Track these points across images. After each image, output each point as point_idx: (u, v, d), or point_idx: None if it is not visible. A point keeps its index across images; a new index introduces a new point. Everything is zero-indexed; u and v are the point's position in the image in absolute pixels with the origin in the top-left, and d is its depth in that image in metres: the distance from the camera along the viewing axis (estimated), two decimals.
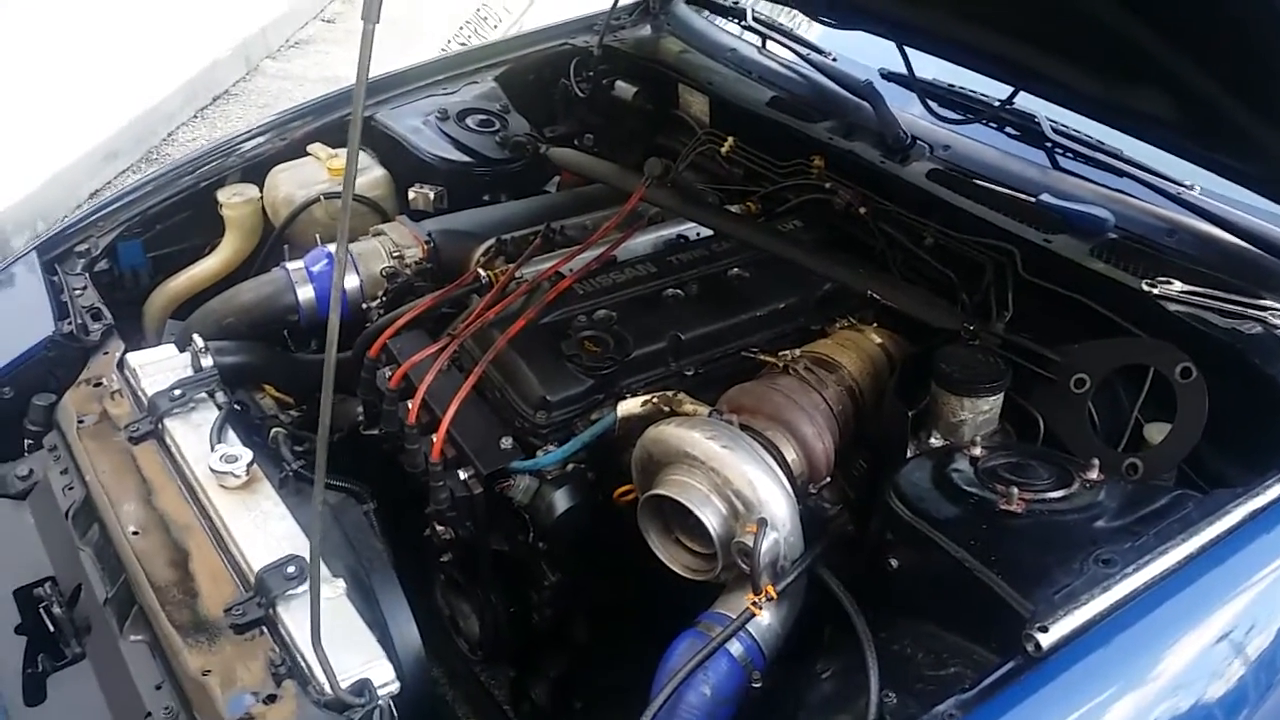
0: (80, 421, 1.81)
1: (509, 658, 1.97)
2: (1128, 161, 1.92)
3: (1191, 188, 1.85)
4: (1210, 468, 1.62)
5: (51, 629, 1.58)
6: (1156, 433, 1.67)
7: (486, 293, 1.96)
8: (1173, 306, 1.70)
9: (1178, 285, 1.72)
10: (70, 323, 2.02)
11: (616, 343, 1.81)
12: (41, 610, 1.60)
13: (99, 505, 1.65)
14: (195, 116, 5.79)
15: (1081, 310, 1.79)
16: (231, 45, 6.18)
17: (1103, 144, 1.96)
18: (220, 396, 1.84)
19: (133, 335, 2.27)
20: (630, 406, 1.69)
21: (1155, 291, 1.72)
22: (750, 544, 1.45)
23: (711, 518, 1.51)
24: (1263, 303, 1.66)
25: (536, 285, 1.92)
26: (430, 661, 2.07)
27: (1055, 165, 2.04)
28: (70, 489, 1.73)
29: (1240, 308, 1.67)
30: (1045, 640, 1.21)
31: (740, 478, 1.50)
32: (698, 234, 2.19)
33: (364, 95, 1.06)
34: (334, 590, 1.48)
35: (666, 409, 1.66)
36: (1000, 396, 1.68)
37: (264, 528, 1.58)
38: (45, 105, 5.14)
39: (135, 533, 1.59)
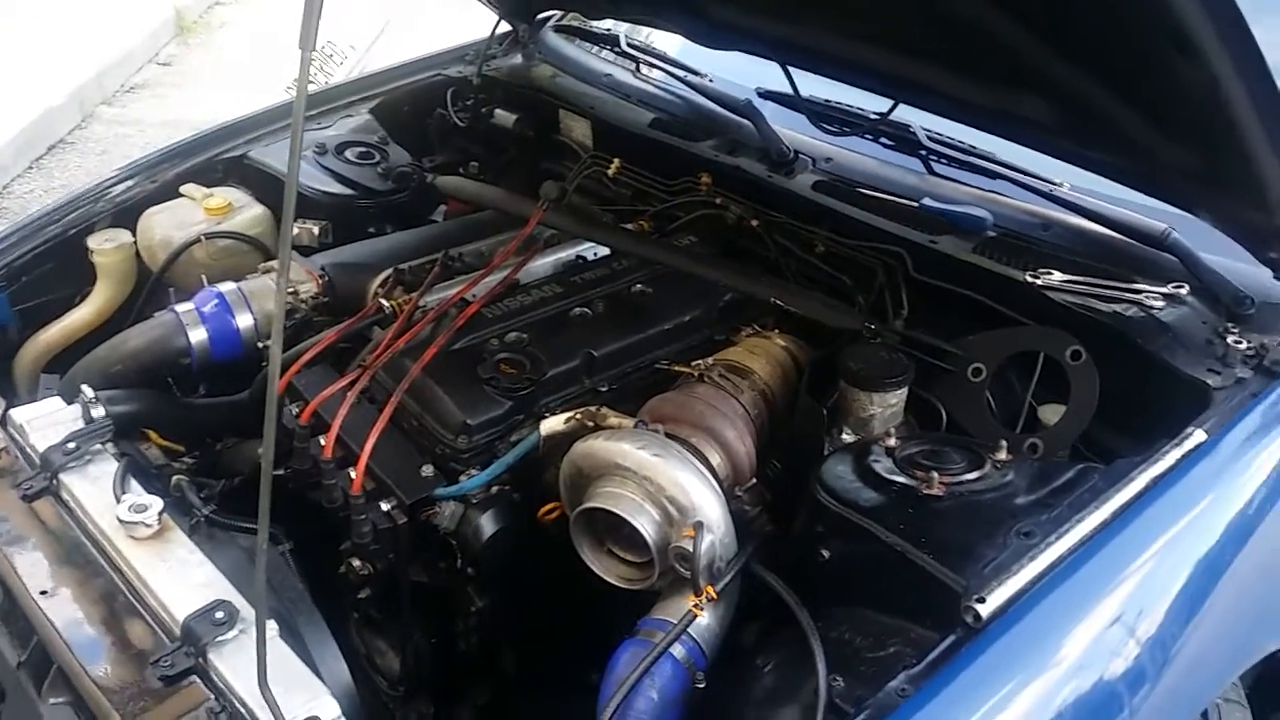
0: None
1: (430, 692, 1.94)
2: (1000, 163, 2.04)
3: (1061, 185, 1.98)
4: (1100, 443, 1.73)
5: None
6: (1050, 413, 1.77)
7: (389, 324, 1.94)
8: (1056, 295, 1.81)
9: (1058, 275, 1.83)
10: None
11: (532, 363, 1.81)
12: None
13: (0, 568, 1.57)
14: (30, 168, 5.54)
15: (971, 305, 1.88)
16: (65, 92, 5.93)
17: (975, 148, 2.08)
18: (114, 447, 1.77)
19: (4, 391, 2.16)
20: (554, 424, 1.70)
21: (1038, 282, 1.82)
22: (689, 548, 1.47)
23: (647, 525, 1.53)
24: (1136, 286, 1.78)
25: (444, 312, 1.91)
26: None
27: (931, 171, 2.15)
28: None
29: (1118, 292, 1.78)
30: (984, 610, 1.27)
31: (673, 484, 1.53)
32: (594, 254, 2.22)
33: (302, 121, 1.04)
34: (269, 631, 1.44)
35: (590, 424, 1.67)
36: (905, 390, 1.76)
37: (182, 576, 1.53)
38: None
39: (43, 592, 1.51)
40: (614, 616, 1.60)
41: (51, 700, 1.43)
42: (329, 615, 1.81)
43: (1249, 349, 1.66)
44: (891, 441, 1.62)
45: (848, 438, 1.77)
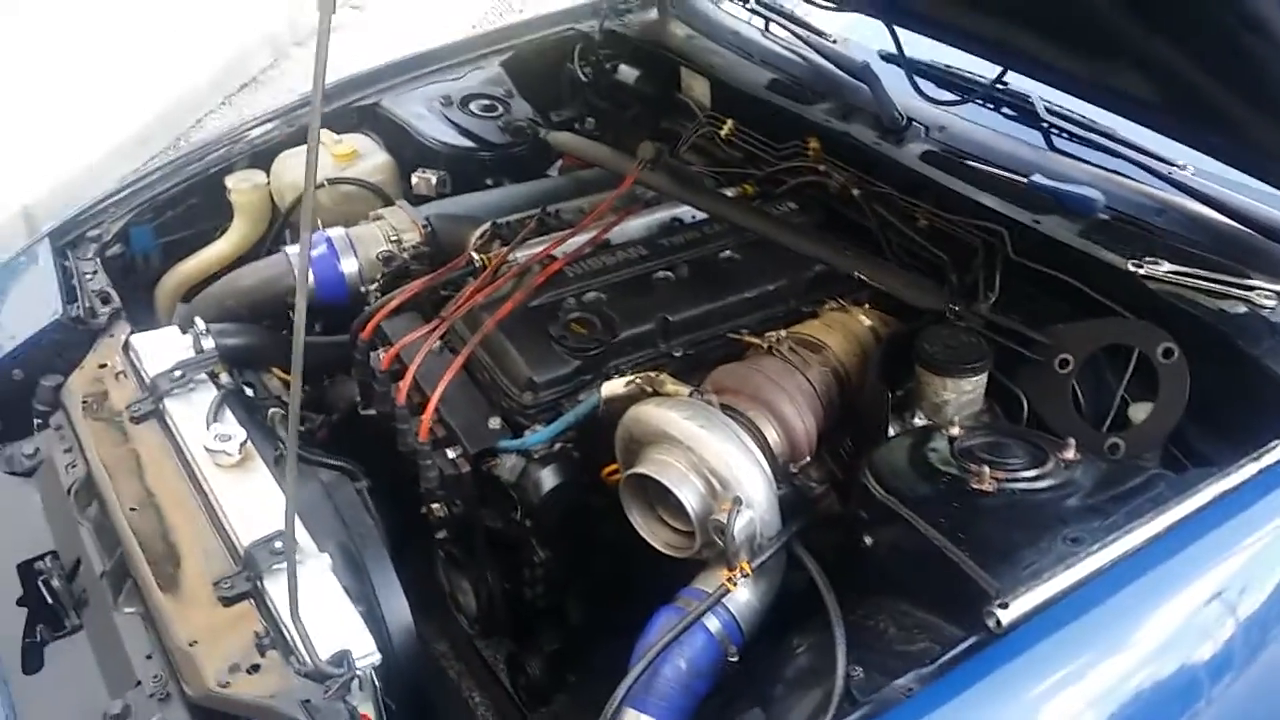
0: (85, 402, 1.87)
1: (507, 632, 2.01)
2: (1120, 141, 1.92)
3: (1184, 168, 1.85)
4: (1197, 448, 1.63)
5: (51, 601, 1.63)
6: (1141, 412, 1.67)
7: (479, 276, 1.98)
8: (1158, 287, 1.69)
9: (1165, 265, 1.71)
10: (78, 306, 2.07)
11: (604, 324, 1.83)
12: (42, 583, 1.65)
13: (99, 482, 1.70)
14: (223, 103, 5.86)
15: (1069, 291, 1.78)
16: (260, 33, 6.24)
17: (1096, 124, 1.96)
18: (224, 378, 1.88)
19: (146, 319, 2.32)
20: (614, 387, 1.71)
21: (1141, 272, 1.71)
22: (725, 521, 1.47)
23: (689, 495, 1.53)
24: (1249, 283, 1.66)
25: (527, 268, 1.95)
26: (435, 636, 2.13)
27: (1050, 145, 2.04)
28: (73, 467, 1.79)
29: (1227, 288, 1.66)
30: (1005, 616, 1.22)
31: (716, 457, 1.52)
32: (693, 217, 2.20)
33: (323, 82, 1.08)
34: (319, 564, 1.52)
35: (649, 389, 1.68)
36: (983, 377, 1.68)
37: (256, 504, 1.62)
38: (77, 96, 5.22)
39: (133, 509, 1.63)
40: (667, 579, 1.61)
41: (125, 610, 1.55)
42: (419, 553, 1.91)
43: None
44: (954, 430, 1.56)
45: (920, 422, 1.71)
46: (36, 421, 1.94)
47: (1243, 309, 1.62)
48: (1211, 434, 1.60)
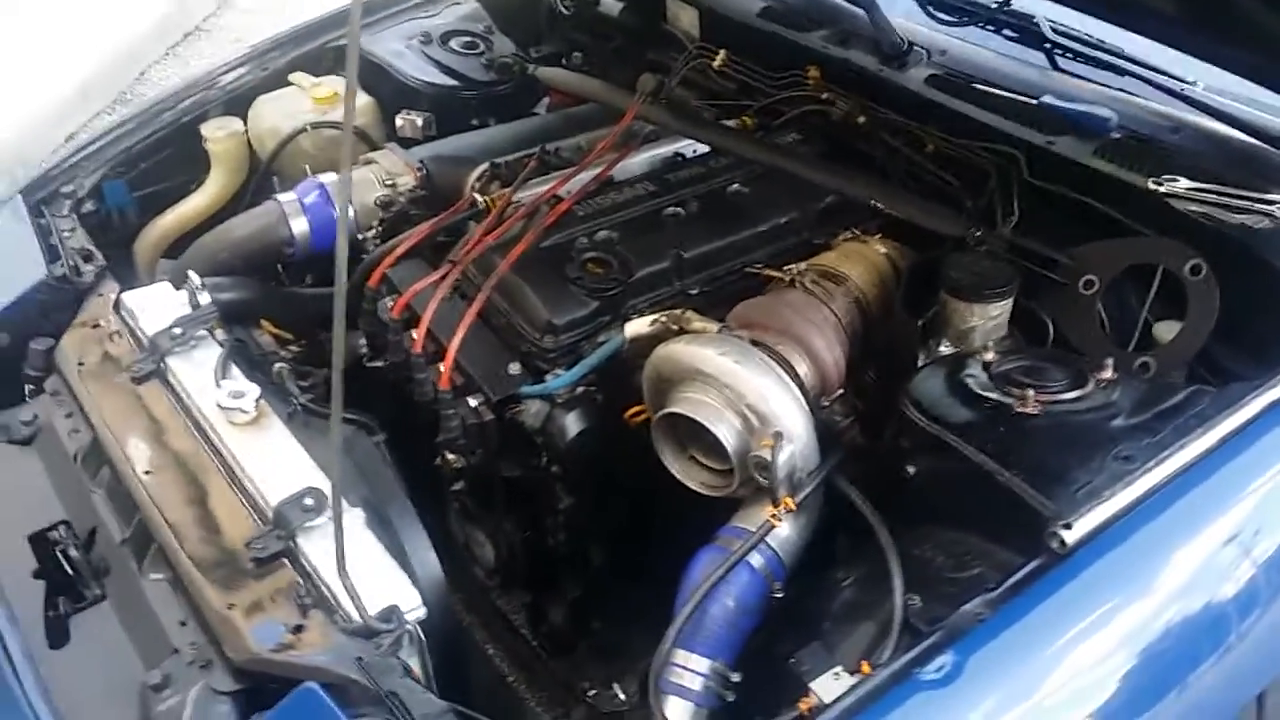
0: (81, 364, 1.79)
1: (524, 582, 1.98)
2: (1129, 59, 1.90)
3: (1195, 84, 1.83)
4: (1221, 364, 1.63)
5: (70, 572, 1.57)
6: (1166, 331, 1.67)
7: (483, 218, 1.93)
8: (1180, 204, 1.68)
9: (1184, 183, 1.69)
10: (63, 265, 1.99)
11: (620, 264, 1.79)
12: (58, 553, 1.59)
13: (107, 447, 1.64)
14: (167, 54, 5.68)
15: (1088, 211, 1.77)
16: None
17: (1104, 43, 1.94)
18: (220, 334, 1.82)
19: (125, 275, 2.24)
20: (638, 326, 1.68)
21: (1162, 190, 1.69)
22: (768, 457, 1.45)
23: (727, 433, 1.50)
24: (1270, 197, 1.65)
25: (535, 209, 1.90)
26: (449, 589, 2.10)
27: (1055, 66, 2.02)
28: (76, 432, 1.72)
29: (1248, 203, 1.65)
30: (1070, 537, 1.22)
31: (754, 392, 1.49)
32: (694, 151, 2.16)
33: (360, 18, 1.02)
34: (354, 520, 1.48)
35: (675, 327, 1.64)
36: (1009, 301, 1.67)
37: (277, 462, 1.58)
38: (14, 50, 5.02)
39: (148, 472, 1.58)
40: (701, 519, 1.59)
41: (152, 576, 1.49)
42: (430, 505, 1.87)
43: None
44: (989, 356, 1.55)
45: (946, 350, 1.70)
46: (29, 388, 1.87)
47: (1266, 223, 1.62)
48: (1238, 350, 1.61)
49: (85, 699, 1.43)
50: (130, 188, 2.34)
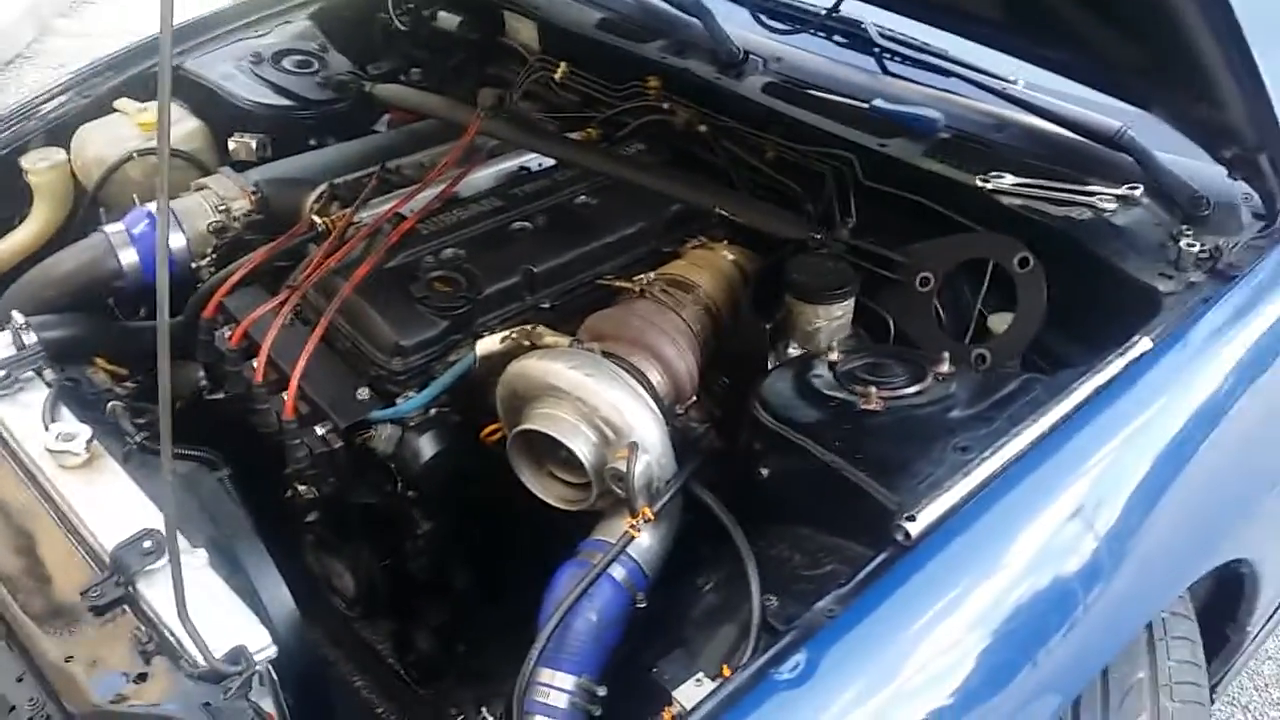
0: None
1: (387, 611, 1.94)
2: (954, 61, 1.97)
3: (1015, 82, 1.91)
4: (1055, 352, 1.69)
5: None
6: (1000, 323, 1.73)
7: (323, 240, 1.88)
8: (1006, 200, 1.75)
9: (1010, 179, 1.77)
10: None
11: (468, 281, 1.76)
12: None
13: None
14: None
15: (923, 210, 1.83)
16: (20, 6, 5.75)
17: (928, 45, 2.00)
18: (49, 374, 1.73)
19: None
20: (489, 344, 1.66)
21: (989, 186, 1.77)
22: (623, 469, 1.45)
23: (582, 447, 1.50)
24: (1090, 188, 1.73)
25: (377, 229, 1.86)
26: (308, 624, 2.04)
27: (885, 70, 2.08)
28: None
29: (1070, 195, 1.73)
30: (914, 529, 1.25)
31: (607, 405, 1.49)
32: (539, 164, 2.15)
33: (171, 42, 0.98)
34: (197, 560, 1.42)
35: (527, 343, 1.63)
36: (851, 301, 1.71)
37: (112, 505, 1.50)
38: None
39: None
40: (563, 535, 1.58)
41: None
42: (283, 539, 1.81)
43: (1202, 251, 1.61)
44: (834, 356, 1.58)
45: (794, 351, 1.73)
46: None
47: (1088, 214, 1.70)
48: (1069, 338, 1.68)
49: None
50: None
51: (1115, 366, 1.45)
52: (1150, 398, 1.46)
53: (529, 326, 1.65)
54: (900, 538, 1.26)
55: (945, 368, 1.53)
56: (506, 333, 1.66)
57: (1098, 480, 1.38)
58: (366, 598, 1.86)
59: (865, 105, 1.95)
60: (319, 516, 1.81)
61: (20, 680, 1.34)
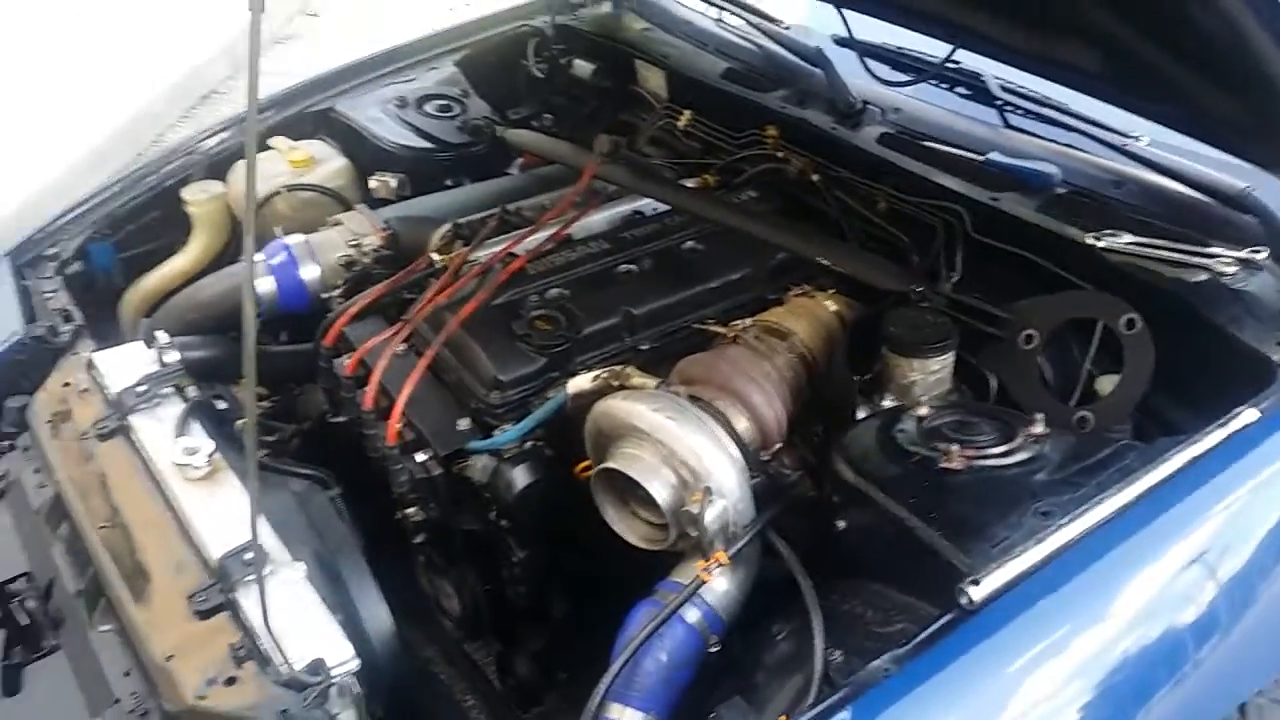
0: (50, 421, 1.85)
1: (492, 633, 2.00)
2: (1075, 115, 1.93)
3: (1139, 139, 1.86)
4: (1168, 417, 1.64)
5: (27, 623, 1.61)
6: (1108, 385, 1.67)
7: (441, 277, 1.97)
8: (1118, 259, 1.70)
9: (1125, 237, 1.72)
10: (40, 325, 2.05)
11: (568, 320, 1.82)
12: (18, 605, 1.63)
13: (68, 501, 1.69)
14: (184, 117, 5.80)
15: (1032, 267, 1.79)
16: (217, 45, 6.17)
17: (1049, 99, 1.97)
18: (191, 390, 1.87)
19: (111, 336, 2.30)
20: (580, 383, 1.71)
21: (1100, 244, 1.72)
22: (697, 512, 1.47)
23: (660, 488, 1.52)
24: (1209, 250, 1.66)
25: (489, 267, 1.94)
26: (422, 642, 2.12)
27: (1005, 123, 2.05)
28: (42, 487, 1.77)
29: (1187, 256, 1.67)
30: (977, 593, 1.23)
31: (685, 448, 1.52)
32: (654, 209, 2.20)
33: (258, 80, 1.07)
34: (295, 573, 1.51)
35: (616, 383, 1.67)
36: (949, 356, 1.69)
37: (226, 516, 1.60)
38: (31, 114, 5.16)
39: (103, 526, 1.62)
40: (647, 573, 1.61)
41: (101, 628, 1.53)
42: (398, 559, 1.90)
43: None
44: (922, 411, 1.57)
45: (889, 404, 1.71)
46: (5, 443, 1.92)
47: (1203, 277, 1.63)
48: (1180, 403, 1.62)
49: None
50: (115, 250, 2.40)
51: (1215, 437, 1.39)
52: (1253, 471, 1.39)
53: (620, 367, 1.69)
54: (964, 601, 1.24)
55: (1039, 429, 1.49)
56: (598, 373, 1.70)
57: (1184, 561, 1.33)
58: (471, 620, 1.92)
59: (980, 158, 1.93)
60: (427, 539, 1.88)
61: (127, 675, 1.45)
